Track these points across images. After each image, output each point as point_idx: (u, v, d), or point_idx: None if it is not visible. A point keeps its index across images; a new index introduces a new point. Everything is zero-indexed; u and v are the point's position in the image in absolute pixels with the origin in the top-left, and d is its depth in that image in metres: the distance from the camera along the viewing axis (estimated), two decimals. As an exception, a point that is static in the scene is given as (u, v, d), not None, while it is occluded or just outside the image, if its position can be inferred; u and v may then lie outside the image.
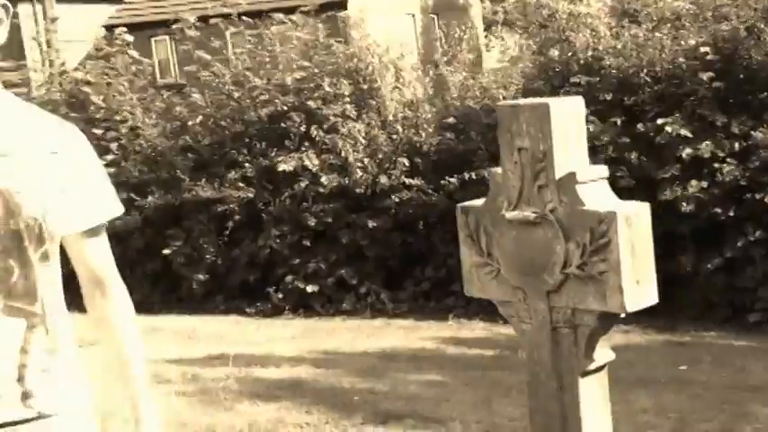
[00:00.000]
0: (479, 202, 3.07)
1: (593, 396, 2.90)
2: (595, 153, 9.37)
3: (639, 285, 2.72)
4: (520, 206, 2.90)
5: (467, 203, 3.12)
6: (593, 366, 2.86)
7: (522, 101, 3.07)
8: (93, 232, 2.06)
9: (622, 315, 2.78)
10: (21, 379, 1.91)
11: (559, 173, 2.81)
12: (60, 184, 1.95)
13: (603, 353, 2.88)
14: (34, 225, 1.89)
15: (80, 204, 2.00)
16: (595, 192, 2.82)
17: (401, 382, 6.58)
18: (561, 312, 2.87)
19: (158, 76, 23.19)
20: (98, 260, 2.09)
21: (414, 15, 25.74)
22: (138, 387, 2.14)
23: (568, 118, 2.87)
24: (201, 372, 6.93)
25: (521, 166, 2.90)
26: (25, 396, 1.92)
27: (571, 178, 2.79)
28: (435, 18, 26.10)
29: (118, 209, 2.11)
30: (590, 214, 2.75)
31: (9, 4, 1.93)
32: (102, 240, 2.10)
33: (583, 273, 2.76)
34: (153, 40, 24.58)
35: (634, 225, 2.71)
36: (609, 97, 9.59)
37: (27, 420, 1.92)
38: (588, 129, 9.36)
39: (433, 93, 11.67)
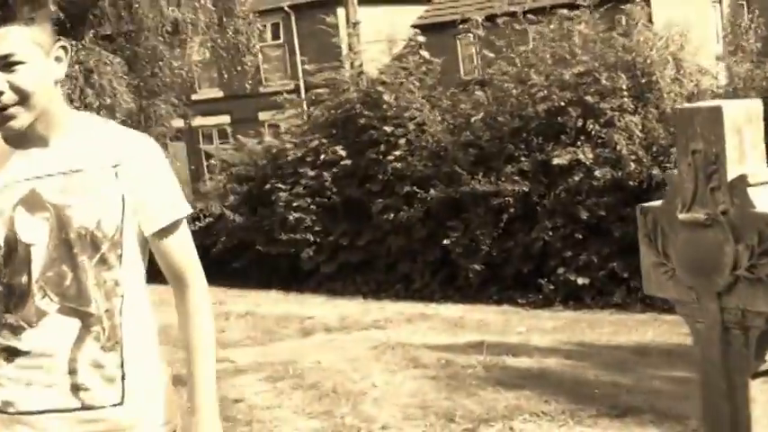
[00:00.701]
0: (658, 202, 3.13)
1: (765, 398, 2.88)
2: None
3: (810, 289, 2.68)
4: (694, 208, 2.93)
5: (647, 204, 3.19)
6: (764, 368, 2.84)
7: (697, 104, 3.09)
8: (164, 233, 2.19)
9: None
10: (72, 372, 2.09)
11: (731, 175, 2.81)
12: (123, 194, 2.12)
13: (777, 355, 2.85)
14: (86, 234, 2.09)
15: (147, 209, 2.16)
16: (768, 194, 2.79)
17: (647, 377, 6.54)
18: (732, 313, 2.87)
19: (462, 73, 23.85)
20: (173, 258, 2.22)
21: (720, 2, 24.63)
22: (199, 377, 2.22)
23: (743, 120, 2.86)
24: (455, 358, 7.23)
25: (695, 169, 2.92)
26: (76, 388, 2.10)
27: (742, 180, 2.79)
28: (745, 5, 24.82)
29: (185, 209, 2.24)
30: (759, 216, 2.74)
31: (68, 45, 2.20)
32: (176, 239, 2.22)
33: (752, 275, 2.76)
34: (457, 38, 25.20)
35: (806, 228, 2.68)
36: None
37: (72, 410, 2.10)
38: None
39: (726, 83, 11.31)
